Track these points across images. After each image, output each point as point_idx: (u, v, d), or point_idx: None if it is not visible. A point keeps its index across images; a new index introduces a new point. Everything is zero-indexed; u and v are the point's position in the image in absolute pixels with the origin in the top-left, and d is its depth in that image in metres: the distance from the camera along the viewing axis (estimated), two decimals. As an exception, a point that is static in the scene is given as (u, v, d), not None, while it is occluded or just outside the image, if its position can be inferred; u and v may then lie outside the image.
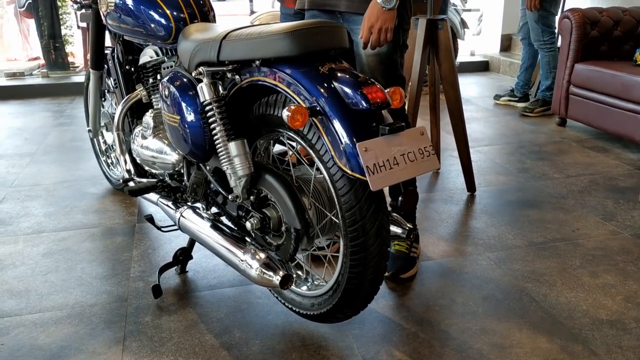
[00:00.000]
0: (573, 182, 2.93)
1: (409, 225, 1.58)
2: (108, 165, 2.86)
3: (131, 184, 2.02)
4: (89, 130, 2.67)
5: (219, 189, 1.68)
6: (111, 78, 2.48)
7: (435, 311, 1.81)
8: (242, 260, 1.46)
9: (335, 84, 1.32)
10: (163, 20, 1.83)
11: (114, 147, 2.70)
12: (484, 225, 2.43)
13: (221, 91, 1.56)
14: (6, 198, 2.74)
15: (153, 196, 1.96)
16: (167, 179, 1.94)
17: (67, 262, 2.13)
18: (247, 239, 1.58)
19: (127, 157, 2.16)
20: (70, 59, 5.79)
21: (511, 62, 5.79)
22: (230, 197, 1.57)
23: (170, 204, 1.88)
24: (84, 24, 5.74)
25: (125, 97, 2.19)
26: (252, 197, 1.56)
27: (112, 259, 2.15)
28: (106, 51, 2.44)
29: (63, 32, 5.69)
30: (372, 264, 1.40)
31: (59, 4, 5.64)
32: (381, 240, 1.39)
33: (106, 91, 2.58)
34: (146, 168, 2.07)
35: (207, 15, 1.89)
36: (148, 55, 2.03)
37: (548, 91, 4.18)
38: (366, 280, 1.42)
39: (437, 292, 1.92)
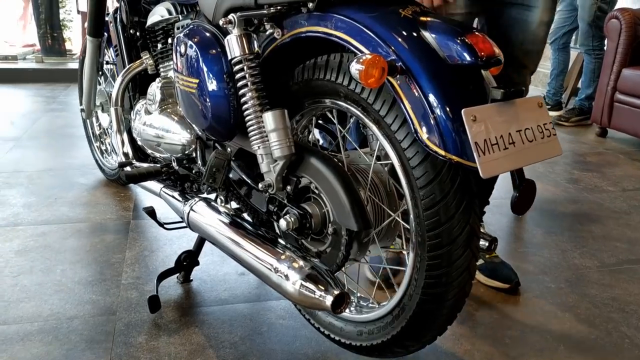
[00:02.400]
0: (632, 196, 2.57)
1: (489, 234, 1.21)
2: (102, 153, 2.48)
3: (128, 168, 1.64)
4: (82, 110, 2.29)
5: (244, 177, 1.30)
6: (112, 47, 2.11)
7: (506, 345, 1.43)
8: (276, 270, 1.09)
9: (424, 32, 0.95)
10: (180, -33, 1.47)
11: (110, 127, 2.32)
12: (542, 240, 2.06)
13: (256, 48, 1.19)
14: (-19, 184, 2.35)
15: (155, 186, 1.58)
16: (174, 164, 1.56)
17: (45, 261, 1.74)
18: (280, 241, 1.20)
19: (125, 137, 1.78)
20: (67, 45, 5.42)
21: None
22: (260, 185, 1.19)
23: (176, 195, 1.50)
24: (84, 8, 5.39)
25: (127, 67, 1.82)
26: (288, 188, 1.18)
27: (100, 261, 1.76)
28: (107, 18, 2.07)
29: (61, 16, 5.32)
30: (455, 284, 1.03)
31: (59, -14, 5.28)
32: (471, 252, 1.02)
33: (104, 63, 2.21)
34: (148, 151, 1.69)
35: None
36: (158, 14, 1.66)
37: (587, 100, 3.84)
38: (445, 306, 1.05)
39: (502, 320, 1.54)
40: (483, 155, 0.86)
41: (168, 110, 1.59)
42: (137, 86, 1.85)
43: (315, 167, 1.14)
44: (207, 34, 1.27)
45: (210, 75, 1.23)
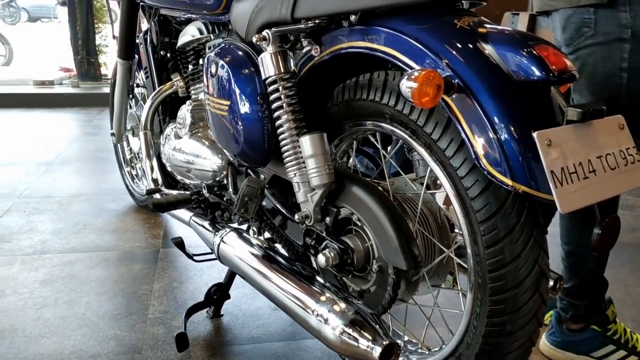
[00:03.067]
0: (695, 224, 2.37)
1: (553, 271, 1.07)
2: (132, 178, 2.42)
3: (157, 196, 1.55)
4: (112, 134, 2.24)
5: (278, 206, 1.20)
6: (142, 70, 2.05)
7: (571, 395, 1.27)
8: (315, 313, 0.97)
9: (485, 44, 0.83)
10: (212, -16, 1.39)
11: (140, 152, 2.26)
12: (600, 274, 1.89)
13: (292, 67, 1.09)
14: (10, 210, 2.31)
15: (185, 214, 1.49)
16: (204, 191, 1.47)
17: (70, 293, 1.66)
18: (319, 279, 1.08)
19: (154, 162, 1.70)
20: (102, 70, 5.48)
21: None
22: (296, 216, 1.08)
23: (207, 224, 1.40)
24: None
25: (157, 89, 1.75)
26: (327, 219, 1.07)
27: (127, 293, 1.67)
28: (137, 40, 2.02)
29: (97, 41, 5.39)
30: (521, 333, 0.89)
31: (95, 12, 5.36)
32: (540, 296, 0.88)
33: (135, 86, 2.15)
34: (178, 178, 1.61)
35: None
36: (189, 34, 1.58)
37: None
38: (509, 357, 0.91)
39: (565, 365, 1.39)
40: (560, 187, 0.73)
41: (199, 134, 1.50)
42: (168, 109, 1.78)
43: (357, 197, 1.03)
44: (239, 53, 1.18)
45: (243, 97, 1.14)
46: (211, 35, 1.51)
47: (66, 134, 3.74)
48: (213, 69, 1.21)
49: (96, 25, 5.39)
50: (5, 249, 1.94)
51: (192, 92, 1.64)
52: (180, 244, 1.40)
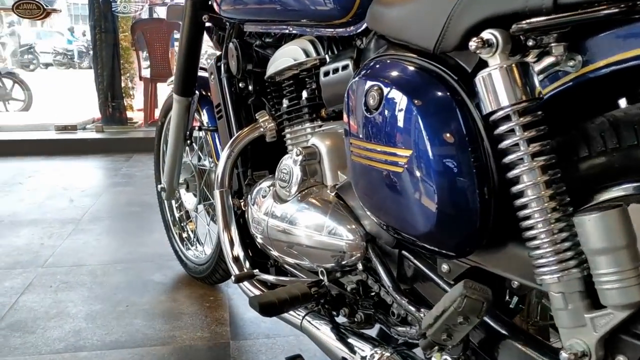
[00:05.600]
0: None
1: None
2: (182, 241, 1.97)
3: (248, 287, 1.09)
4: (162, 189, 1.80)
5: (497, 327, 0.72)
6: (204, 109, 1.63)
7: None
8: None
9: None
10: (335, -17, 0.96)
11: (196, 210, 1.81)
12: None
13: (538, 90, 0.64)
14: (33, 284, 1.85)
15: (294, 314, 1.02)
16: (324, 278, 1.00)
17: (120, 419, 1.19)
18: None
19: (234, 233, 1.24)
20: (128, 113, 5.11)
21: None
22: (563, 356, 0.60)
23: (334, 334, 0.93)
24: (147, 74, 5.11)
25: (236, 135, 1.31)
26: (621, 358, 0.60)
27: (197, 417, 1.19)
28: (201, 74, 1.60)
29: (123, 83, 5.05)
30: None
31: (122, 52, 5.04)
32: None
33: (194, 129, 1.71)
34: (274, 254, 1.14)
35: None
36: (289, 56, 1.15)
37: None
38: None
39: None
40: None
41: (312, 196, 1.04)
42: (249, 160, 1.34)
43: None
44: (422, 73, 0.73)
45: (439, 142, 0.68)
46: (326, 56, 1.08)
47: (93, 185, 3.33)
48: (372, 100, 0.76)
49: (122, 66, 5.05)
50: (28, 344, 1.47)
51: (289, 136, 1.20)
52: (300, 366, 0.93)
